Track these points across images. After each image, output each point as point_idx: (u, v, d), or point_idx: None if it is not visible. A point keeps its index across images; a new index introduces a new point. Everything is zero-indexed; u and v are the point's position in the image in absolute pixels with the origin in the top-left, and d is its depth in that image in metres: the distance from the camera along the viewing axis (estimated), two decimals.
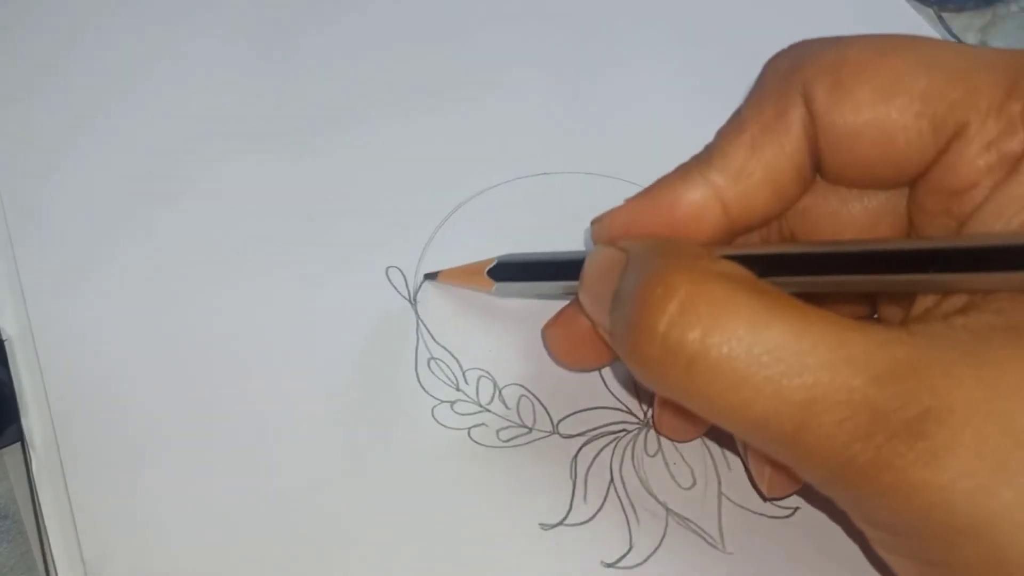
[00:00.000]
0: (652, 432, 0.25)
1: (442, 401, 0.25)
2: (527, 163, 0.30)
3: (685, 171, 0.23)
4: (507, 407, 0.25)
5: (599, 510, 0.24)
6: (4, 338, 0.26)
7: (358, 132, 0.31)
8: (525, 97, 0.32)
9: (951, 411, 0.17)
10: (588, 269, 0.22)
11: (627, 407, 0.26)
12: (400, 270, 0.28)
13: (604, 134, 0.31)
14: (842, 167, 0.21)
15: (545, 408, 0.25)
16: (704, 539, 0.23)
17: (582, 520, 0.24)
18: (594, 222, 0.24)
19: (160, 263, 0.28)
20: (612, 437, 0.25)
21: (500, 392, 0.26)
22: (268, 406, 0.25)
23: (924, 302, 0.20)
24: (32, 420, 0.25)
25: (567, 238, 0.28)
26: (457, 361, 0.26)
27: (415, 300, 0.27)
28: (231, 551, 0.23)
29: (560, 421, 0.25)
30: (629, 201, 0.23)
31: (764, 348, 0.18)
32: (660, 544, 0.23)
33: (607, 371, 0.26)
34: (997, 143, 0.19)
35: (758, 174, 0.21)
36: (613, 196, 0.29)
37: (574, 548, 0.23)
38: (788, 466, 0.19)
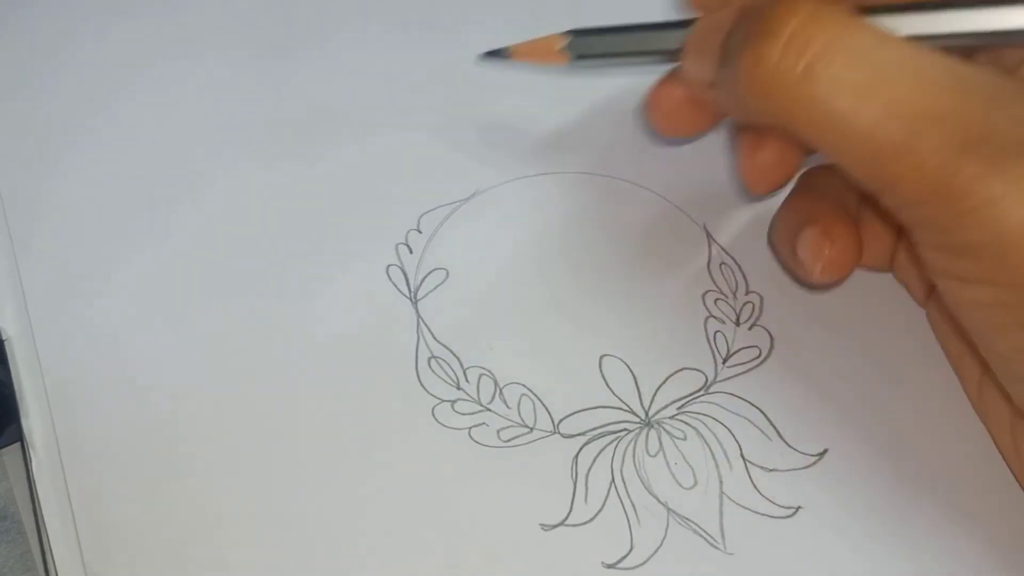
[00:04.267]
0: (653, 432, 0.25)
1: (442, 400, 0.25)
2: (527, 163, 0.30)
3: None
4: (508, 406, 0.25)
5: (600, 510, 0.24)
6: (4, 338, 0.26)
7: (359, 132, 0.31)
8: (525, 98, 0.32)
9: None
10: (695, 29, 0.23)
11: (628, 406, 0.25)
12: (401, 269, 0.28)
13: (604, 134, 0.31)
14: None
15: (546, 407, 0.25)
16: (705, 539, 0.23)
17: (583, 520, 0.24)
18: None
19: (160, 263, 0.28)
20: (613, 437, 0.25)
21: (501, 391, 0.26)
22: (268, 406, 0.25)
23: (1009, 60, 0.21)
24: (32, 420, 0.25)
25: (568, 238, 0.28)
26: (458, 359, 0.26)
27: (416, 298, 0.27)
28: (231, 551, 0.23)
29: (561, 421, 0.25)
30: None
31: (885, 59, 0.19)
32: (661, 544, 0.23)
33: (608, 369, 0.26)
34: None
35: None
36: (613, 196, 0.29)
37: (575, 549, 0.23)
38: (877, 189, 0.20)
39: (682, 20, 0.24)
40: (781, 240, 0.26)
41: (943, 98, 0.19)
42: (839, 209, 0.25)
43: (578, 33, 0.26)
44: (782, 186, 0.26)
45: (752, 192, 0.26)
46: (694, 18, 0.23)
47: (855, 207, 0.26)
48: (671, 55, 0.24)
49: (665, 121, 0.26)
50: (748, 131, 0.25)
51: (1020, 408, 0.23)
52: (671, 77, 0.25)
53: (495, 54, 0.27)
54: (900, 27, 0.21)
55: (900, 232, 0.26)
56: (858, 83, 0.19)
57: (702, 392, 0.26)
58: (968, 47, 0.22)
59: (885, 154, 0.19)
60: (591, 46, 0.26)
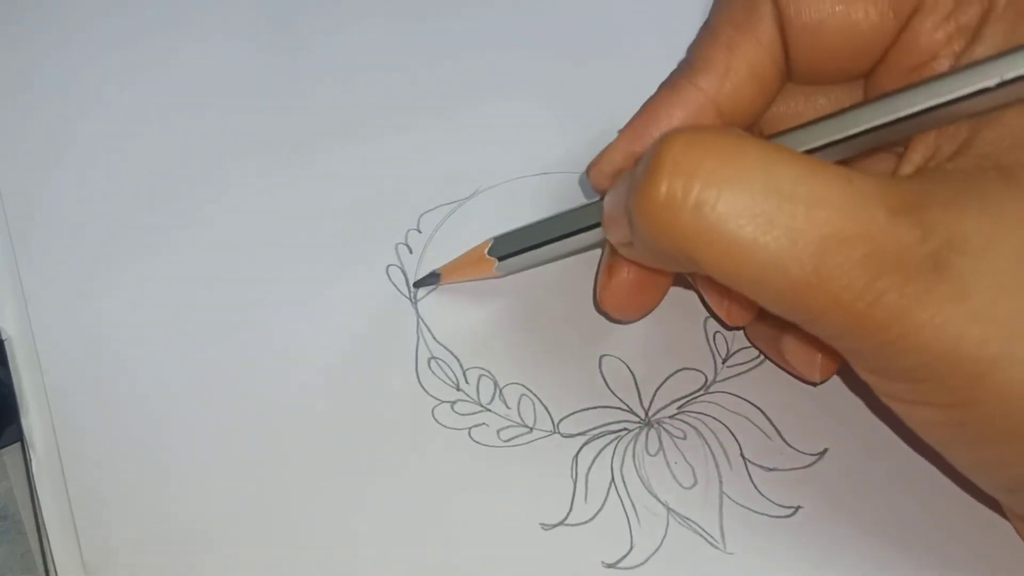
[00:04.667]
0: (653, 431, 0.25)
1: (442, 401, 0.25)
2: (527, 163, 0.30)
3: (671, 85, 0.23)
4: (507, 407, 0.25)
5: (600, 510, 0.24)
6: (4, 338, 0.26)
7: (360, 134, 0.31)
8: (525, 98, 0.32)
9: (967, 240, 0.17)
10: (608, 197, 0.22)
11: (628, 406, 0.25)
12: (401, 269, 0.28)
13: (604, 134, 0.31)
14: (808, 61, 0.22)
15: (546, 407, 0.25)
16: (705, 539, 0.23)
17: (583, 520, 0.24)
18: (590, 167, 0.24)
19: (160, 263, 0.28)
20: (613, 436, 0.25)
21: (500, 391, 0.26)
22: (269, 406, 0.25)
23: (912, 160, 0.20)
24: (32, 420, 0.25)
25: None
26: (457, 360, 0.26)
27: (415, 299, 0.27)
28: (231, 551, 0.23)
29: (561, 420, 0.25)
30: (623, 131, 0.24)
31: (776, 185, 0.17)
32: (661, 544, 0.23)
33: (608, 369, 0.26)
34: (955, 14, 0.20)
35: (742, 71, 0.22)
36: None
37: (575, 548, 0.23)
38: (798, 322, 0.19)
39: (596, 200, 0.24)
40: (764, 346, 0.25)
41: (844, 218, 0.17)
42: None
43: (500, 237, 0.26)
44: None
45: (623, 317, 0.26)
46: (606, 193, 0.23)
47: None
48: (591, 229, 0.24)
49: (618, 307, 0.25)
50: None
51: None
52: (611, 267, 0.24)
53: (426, 280, 0.27)
54: (794, 143, 0.21)
55: None
56: (753, 211, 0.17)
57: (702, 392, 0.26)
58: (866, 149, 0.22)
59: (797, 288, 0.17)
60: (516, 242, 0.26)
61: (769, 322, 0.24)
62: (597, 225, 0.24)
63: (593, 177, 0.24)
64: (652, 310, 0.26)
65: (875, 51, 0.22)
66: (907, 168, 0.21)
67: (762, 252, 0.17)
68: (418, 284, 0.28)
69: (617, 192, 0.21)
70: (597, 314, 0.27)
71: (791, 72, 0.23)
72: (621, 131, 0.24)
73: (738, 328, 0.27)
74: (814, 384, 0.25)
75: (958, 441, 0.19)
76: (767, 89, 0.23)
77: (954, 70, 0.20)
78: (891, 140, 0.21)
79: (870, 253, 0.17)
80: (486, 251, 0.26)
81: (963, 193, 0.18)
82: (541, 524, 0.23)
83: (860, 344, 0.18)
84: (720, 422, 0.25)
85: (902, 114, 0.20)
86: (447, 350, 0.26)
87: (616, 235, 0.22)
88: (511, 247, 0.26)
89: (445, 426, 0.25)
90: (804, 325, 0.19)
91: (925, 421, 0.19)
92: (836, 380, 0.26)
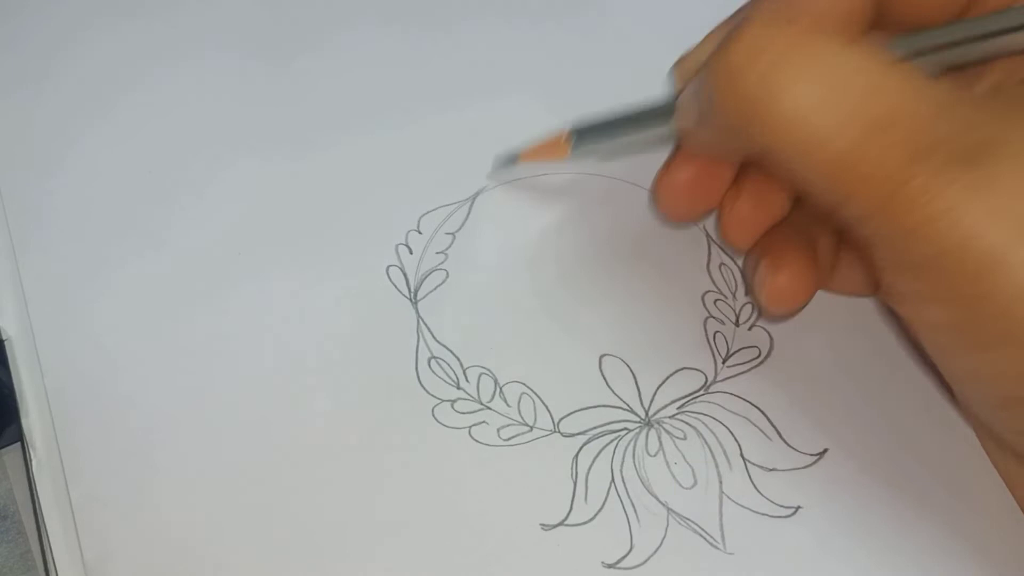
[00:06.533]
0: (653, 431, 0.25)
1: (443, 400, 0.25)
2: (527, 165, 0.30)
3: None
4: (508, 405, 0.25)
5: (600, 510, 0.24)
6: (4, 338, 0.26)
7: (359, 133, 0.31)
8: (525, 98, 0.32)
9: (1006, 144, 0.18)
10: (684, 92, 0.23)
11: (628, 406, 0.25)
12: (401, 270, 0.28)
13: None
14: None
15: (546, 406, 0.25)
16: (705, 539, 0.23)
17: (583, 520, 0.24)
18: (676, 64, 0.25)
19: (160, 263, 0.28)
20: (613, 436, 0.25)
21: (501, 389, 0.26)
22: (268, 406, 0.25)
23: (984, 81, 0.22)
24: (32, 420, 0.25)
25: (568, 239, 0.28)
26: (458, 359, 0.26)
27: (416, 299, 0.27)
28: (231, 551, 0.23)
29: (561, 419, 0.25)
30: (710, 33, 0.25)
31: (838, 70, 0.19)
32: (661, 544, 0.23)
33: (608, 369, 0.26)
34: None
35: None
36: (613, 196, 0.29)
37: (575, 548, 0.23)
38: (832, 202, 0.20)
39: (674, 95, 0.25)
40: (747, 276, 0.26)
41: (894, 106, 0.18)
42: (795, 239, 0.25)
43: (578, 123, 0.27)
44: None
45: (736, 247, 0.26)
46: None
47: (827, 236, 0.25)
48: (666, 117, 0.25)
49: (672, 203, 0.26)
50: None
51: (987, 436, 0.23)
52: (672, 164, 0.25)
53: (505, 163, 0.29)
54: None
55: None
56: (814, 89, 0.19)
57: (702, 392, 0.26)
58: (945, 67, 0.22)
59: (837, 163, 0.19)
60: (592, 128, 0.27)
61: (754, 249, 0.25)
62: (669, 117, 0.24)
63: (678, 73, 0.25)
64: (700, 218, 0.27)
65: None
66: (977, 88, 0.22)
67: (811, 126, 0.19)
68: (497, 166, 0.29)
69: (695, 80, 0.22)
70: (598, 313, 0.27)
71: (886, 17, 0.23)
72: (709, 33, 0.25)
73: (739, 252, 0.28)
74: (770, 318, 0.26)
75: (957, 346, 0.20)
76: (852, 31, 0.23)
77: None
78: (968, 60, 0.22)
79: (908, 139, 0.18)
80: (564, 136, 0.27)
81: (1014, 107, 0.19)
82: (541, 524, 0.23)
83: (882, 229, 0.19)
84: (720, 422, 0.25)
85: (976, 32, 0.21)
86: (447, 349, 0.26)
87: (686, 118, 0.23)
88: (587, 132, 0.27)
89: (445, 425, 0.25)
90: (835, 207, 0.20)
91: (929, 323, 0.20)
92: (835, 381, 0.26)
